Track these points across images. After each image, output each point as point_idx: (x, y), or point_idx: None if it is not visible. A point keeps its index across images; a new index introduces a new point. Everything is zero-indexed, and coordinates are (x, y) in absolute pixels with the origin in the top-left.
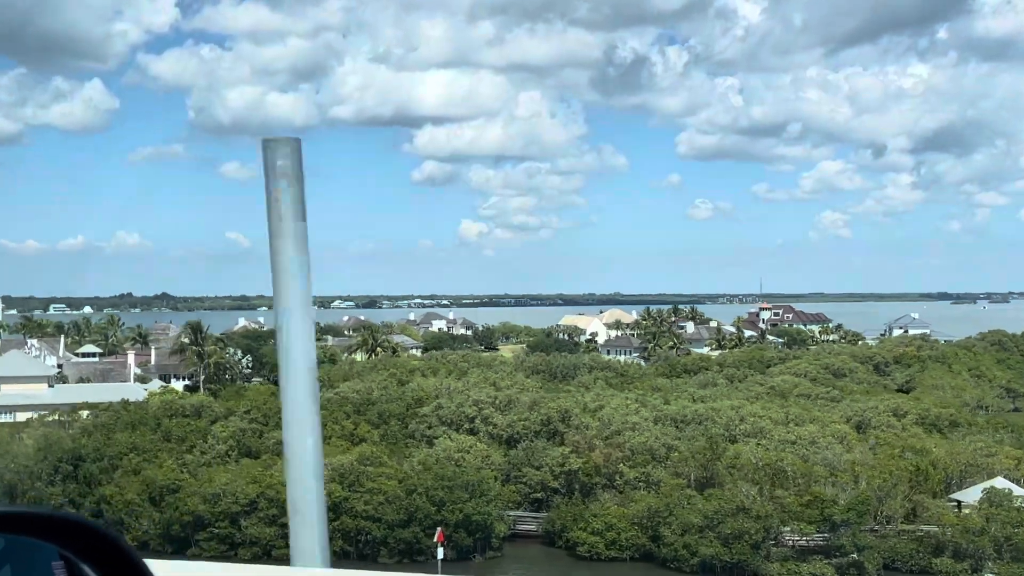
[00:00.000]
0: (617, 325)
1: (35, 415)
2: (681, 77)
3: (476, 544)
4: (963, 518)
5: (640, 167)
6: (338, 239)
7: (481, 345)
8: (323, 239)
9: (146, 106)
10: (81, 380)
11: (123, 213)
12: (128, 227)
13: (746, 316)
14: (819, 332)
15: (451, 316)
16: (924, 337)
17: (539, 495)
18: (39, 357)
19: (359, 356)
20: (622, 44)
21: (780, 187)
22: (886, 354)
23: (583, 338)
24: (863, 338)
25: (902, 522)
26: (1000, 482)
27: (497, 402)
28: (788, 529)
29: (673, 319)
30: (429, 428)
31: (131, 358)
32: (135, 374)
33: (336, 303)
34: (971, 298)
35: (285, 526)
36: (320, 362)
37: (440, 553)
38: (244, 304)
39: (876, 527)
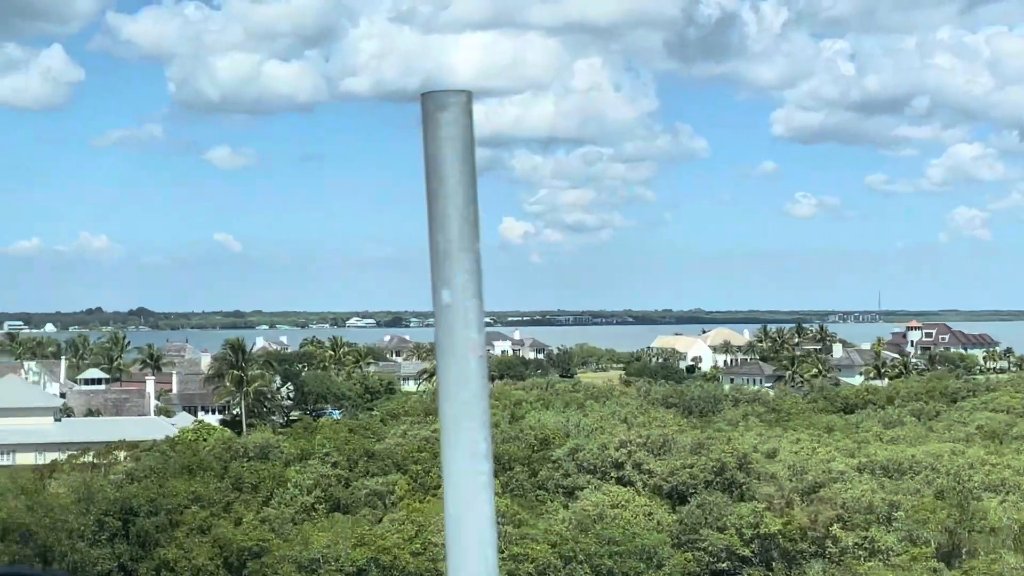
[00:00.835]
0: (726, 348)
1: (37, 455)
2: (778, 39)
3: None
4: None
5: (725, 152)
6: (349, 242)
7: (558, 371)
8: (330, 243)
9: (116, 78)
10: (90, 412)
11: (88, 210)
12: (94, 227)
13: (889, 337)
14: (983, 358)
15: (516, 336)
16: None
17: (724, 565)
18: (38, 383)
19: (430, 385)
20: None
21: (901, 177)
22: None
23: (683, 363)
24: None
25: None
26: None
27: (649, 444)
28: None
29: (797, 340)
30: (567, 476)
31: (150, 386)
32: (155, 405)
33: (353, 320)
34: None
35: None
36: (373, 392)
37: None
38: (239, 321)
39: None
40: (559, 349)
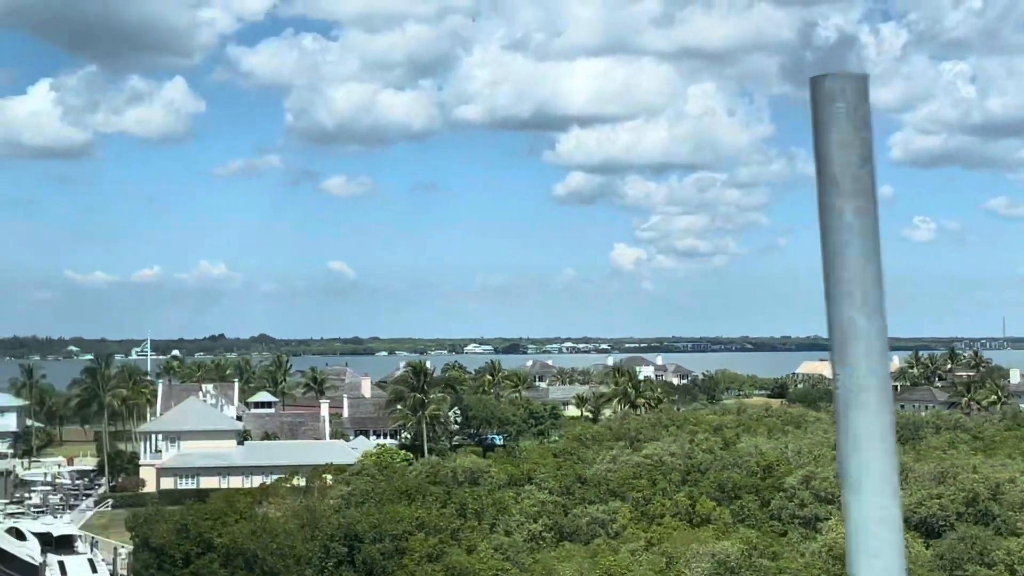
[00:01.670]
0: None
1: (220, 478)
2: (897, 62)
3: None
4: None
5: None
6: (462, 270)
7: (704, 397)
8: (444, 271)
9: (236, 109)
10: (266, 435)
11: (207, 239)
12: (213, 256)
13: None
14: None
15: (659, 362)
16: None
17: None
18: (216, 406)
19: (615, 409)
20: (823, 21)
21: None
22: None
23: (831, 387)
24: None
25: None
26: None
27: None
28: None
29: (950, 366)
30: (803, 506)
31: (324, 410)
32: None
33: (470, 347)
34: None
35: None
36: (537, 417)
37: None
38: (358, 348)
39: None
40: (704, 375)
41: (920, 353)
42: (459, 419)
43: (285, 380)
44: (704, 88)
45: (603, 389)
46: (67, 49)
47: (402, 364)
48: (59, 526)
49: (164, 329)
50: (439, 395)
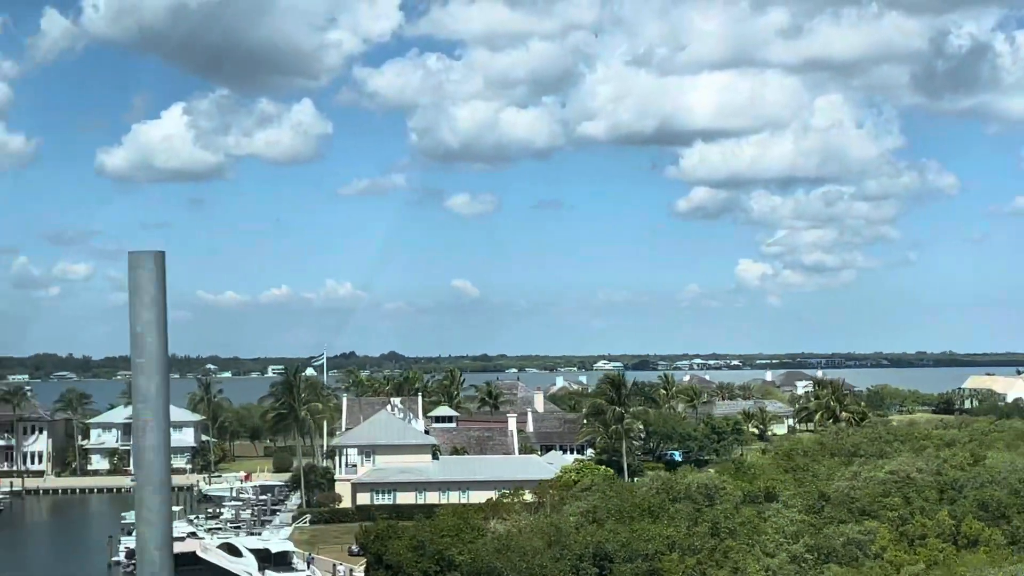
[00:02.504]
0: None
1: (416, 493)
2: None
3: None
4: None
5: (975, 189)
6: (585, 286)
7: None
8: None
9: (362, 130)
10: (455, 450)
11: (333, 258)
12: (339, 275)
13: None
14: None
15: (819, 375)
16: None
17: None
18: (405, 420)
19: (816, 423)
20: (955, 29)
21: None
22: None
23: (1001, 402)
24: None
25: None
26: None
27: None
28: None
29: None
30: None
31: (512, 424)
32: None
33: (600, 363)
34: None
35: None
36: (719, 433)
37: None
38: (488, 365)
39: None
40: (869, 390)
41: None
42: (642, 434)
43: (459, 395)
44: (831, 100)
45: (767, 405)
46: (198, 73)
47: (560, 380)
48: (275, 542)
49: (293, 347)
50: (638, 408)
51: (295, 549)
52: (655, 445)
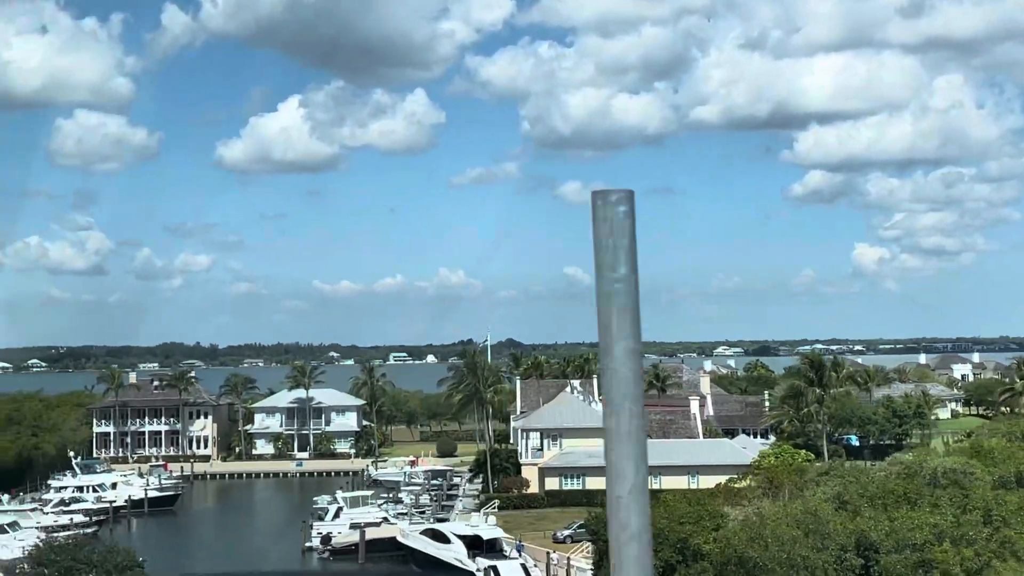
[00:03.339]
0: None
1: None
2: None
3: None
4: None
5: None
6: (698, 271)
7: None
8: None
9: (474, 119)
10: None
11: (446, 246)
12: (451, 263)
13: None
14: None
15: (976, 359)
16: None
17: None
18: (585, 402)
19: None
20: None
21: None
22: None
23: None
24: None
25: None
26: None
27: None
28: None
29: None
30: None
31: (695, 406)
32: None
33: (720, 349)
34: None
35: None
36: (901, 416)
37: None
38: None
39: None
40: None
41: None
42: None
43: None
44: (951, 80)
45: (929, 388)
46: (313, 66)
47: (708, 364)
48: (485, 528)
49: (409, 336)
50: (841, 390)
51: (506, 535)
52: (832, 430)
